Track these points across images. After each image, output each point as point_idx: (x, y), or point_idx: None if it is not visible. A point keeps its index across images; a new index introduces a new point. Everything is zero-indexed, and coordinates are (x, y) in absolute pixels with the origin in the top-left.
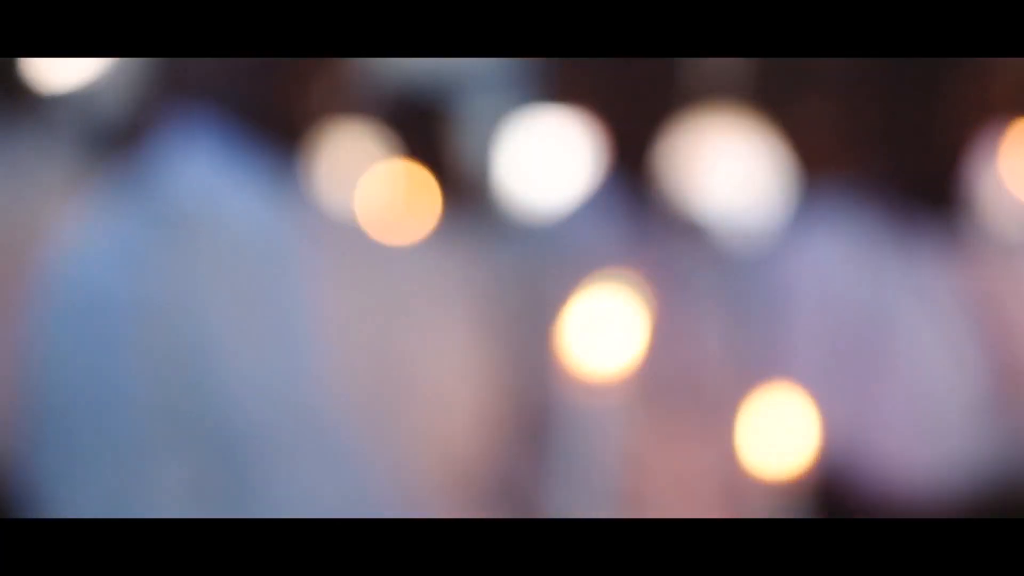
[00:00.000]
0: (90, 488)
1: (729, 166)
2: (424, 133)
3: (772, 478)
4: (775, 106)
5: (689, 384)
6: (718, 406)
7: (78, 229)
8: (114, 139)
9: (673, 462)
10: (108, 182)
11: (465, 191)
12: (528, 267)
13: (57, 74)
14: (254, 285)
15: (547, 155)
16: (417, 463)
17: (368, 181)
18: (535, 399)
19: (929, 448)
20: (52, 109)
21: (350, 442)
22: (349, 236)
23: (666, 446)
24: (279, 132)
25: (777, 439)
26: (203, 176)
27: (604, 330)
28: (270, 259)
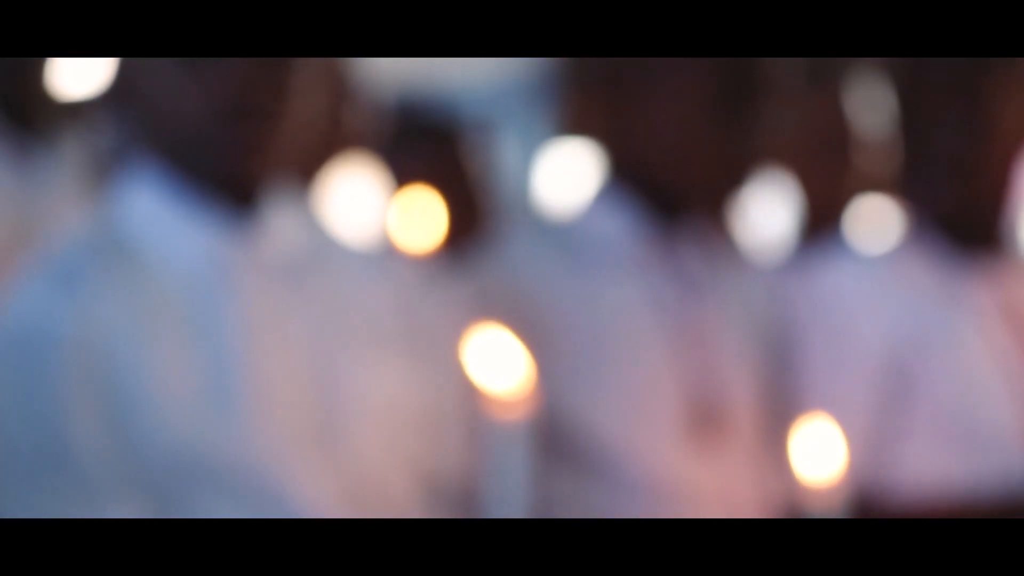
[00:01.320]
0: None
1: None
2: (427, 160)
3: (801, 499)
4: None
5: (713, 405)
6: (745, 429)
7: (29, 257)
8: (94, 167)
9: (698, 483)
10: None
11: (470, 216)
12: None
13: (64, 85)
14: (192, 323)
15: (555, 180)
16: (365, 498)
17: (358, 212)
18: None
19: (963, 474)
20: (57, 124)
21: (287, 482)
22: (322, 266)
23: (688, 467)
24: (234, 180)
25: (804, 463)
26: (149, 215)
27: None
28: (210, 298)
